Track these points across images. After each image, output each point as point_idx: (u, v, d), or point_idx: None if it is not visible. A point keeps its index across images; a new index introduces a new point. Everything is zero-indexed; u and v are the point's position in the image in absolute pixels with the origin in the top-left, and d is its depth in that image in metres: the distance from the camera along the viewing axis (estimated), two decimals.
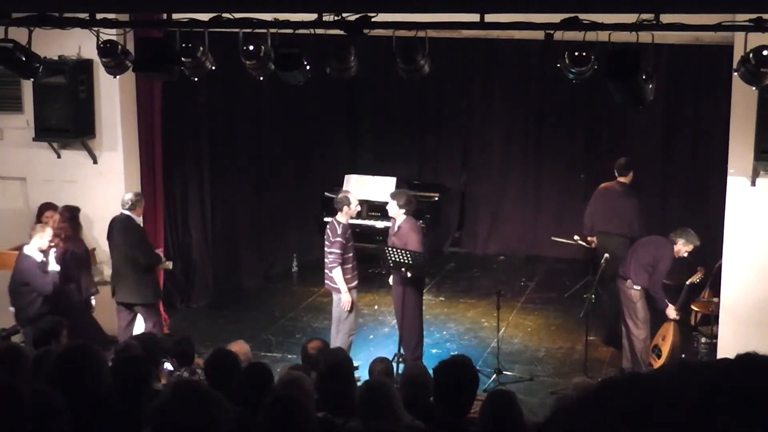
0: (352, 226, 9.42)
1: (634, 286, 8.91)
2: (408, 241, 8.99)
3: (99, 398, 4.15)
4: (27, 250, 8.66)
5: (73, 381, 4.10)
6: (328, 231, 9.05)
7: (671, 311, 8.90)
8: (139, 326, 9.06)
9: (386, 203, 9.43)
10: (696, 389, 1.11)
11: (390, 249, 8.97)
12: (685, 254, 8.93)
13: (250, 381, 5.19)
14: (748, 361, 1.16)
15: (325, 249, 9.10)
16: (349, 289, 9.05)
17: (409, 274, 9.00)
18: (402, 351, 9.04)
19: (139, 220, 9.08)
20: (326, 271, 9.12)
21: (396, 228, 9.18)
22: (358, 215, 10.03)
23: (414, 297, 9.21)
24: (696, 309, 9.36)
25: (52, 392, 3.62)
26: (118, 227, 8.92)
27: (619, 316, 9.21)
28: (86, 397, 4.07)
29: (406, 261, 8.88)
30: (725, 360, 1.20)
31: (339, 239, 8.91)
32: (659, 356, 9.25)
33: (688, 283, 9.17)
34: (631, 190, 10.09)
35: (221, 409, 3.07)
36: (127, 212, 8.85)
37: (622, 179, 10.03)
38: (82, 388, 4.10)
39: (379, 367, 6.53)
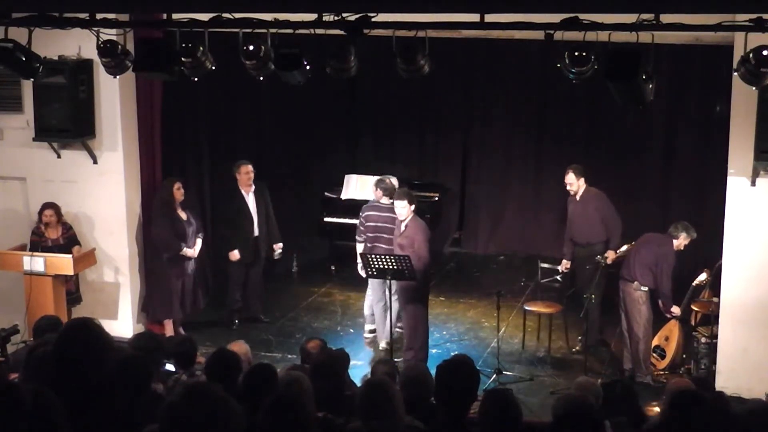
0: (351, 224, 9.37)
1: (641, 287, 8.90)
2: (415, 241, 8.93)
3: (98, 387, 4.12)
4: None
5: (73, 353, 4.04)
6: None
7: (675, 309, 9.01)
8: None
9: None
10: None
11: (371, 256, 8.89)
12: (683, 247, 9.00)
13: (253, 381, 5.18)
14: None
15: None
16: None
17: (393, 281, 8.94)
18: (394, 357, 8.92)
19: None
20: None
21: (403, 228, 9.10)
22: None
23: (419, 298, 9.16)
24: (696, 309, 9.36)
25: (52, 392, 3.61)
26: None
27: (623, 316, 9.21)
28: (85, 373, 4.03)
29: (391, 267, 8.78)
30: None
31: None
32: (663, 357, 9.25)
33: (694, 284, 9.18)
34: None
35: (233, 412, 3.05)
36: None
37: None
38: (82, 362, 4.05)
39: (383, 368, 6.50)
